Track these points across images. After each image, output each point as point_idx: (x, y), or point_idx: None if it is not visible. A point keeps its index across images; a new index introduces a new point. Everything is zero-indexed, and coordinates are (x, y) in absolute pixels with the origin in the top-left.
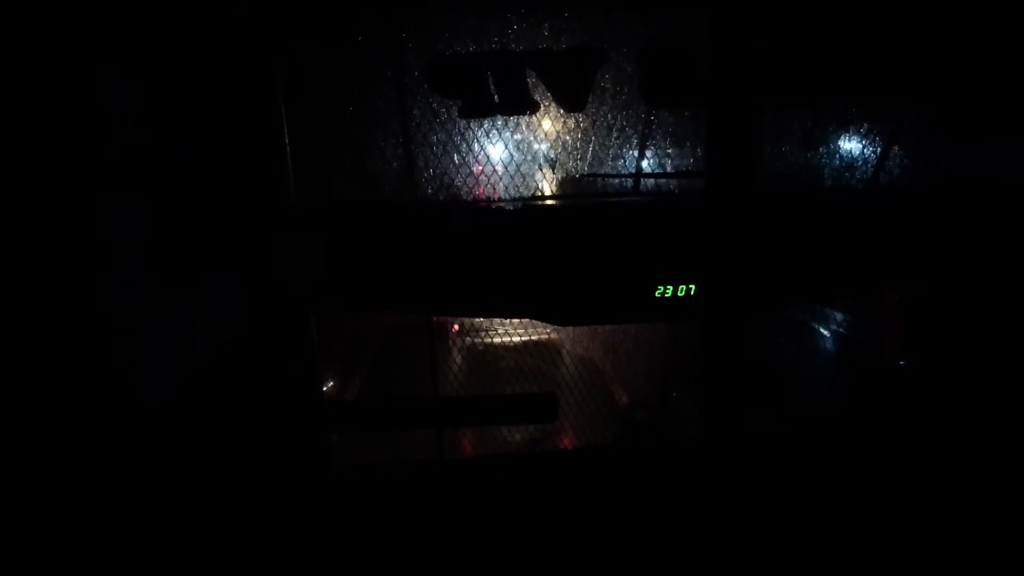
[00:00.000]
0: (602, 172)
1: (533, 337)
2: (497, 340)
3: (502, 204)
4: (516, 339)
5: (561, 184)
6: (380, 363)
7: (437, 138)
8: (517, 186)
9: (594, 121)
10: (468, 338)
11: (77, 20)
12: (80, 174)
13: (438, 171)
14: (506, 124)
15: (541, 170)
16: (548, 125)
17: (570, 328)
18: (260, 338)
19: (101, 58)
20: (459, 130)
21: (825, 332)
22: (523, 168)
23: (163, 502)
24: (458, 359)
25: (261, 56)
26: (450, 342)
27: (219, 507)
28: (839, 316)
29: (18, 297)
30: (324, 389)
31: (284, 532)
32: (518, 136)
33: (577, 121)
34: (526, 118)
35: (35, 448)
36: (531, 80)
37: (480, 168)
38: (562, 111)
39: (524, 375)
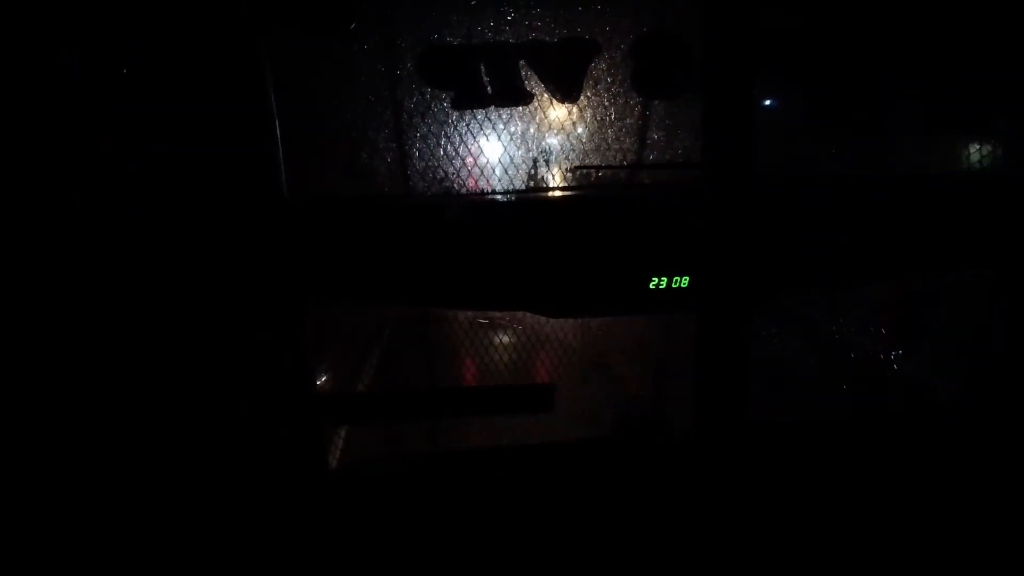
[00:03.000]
0: (596, 163)
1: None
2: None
3: (495, 196)
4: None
5: (554, 176)
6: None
7: (430, 130)
8: (510, 178)
9: (588, 112)
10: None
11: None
12: (71, 165)
13: (431, 163)
14: (499, 116)
15: (534, 162)
16: (541, 117)
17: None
18: (253, 333)
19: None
20: (452, 122)
21: (819, 323)
22: (516, 160)
23: (156, 498)
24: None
25: (250, 49)
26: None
27: (212, 502)
28: (833, 307)
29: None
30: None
31: (278, 527)
32: (511, 128)
33: (570, 112)
34: (519, 110)
35: (33, 443)
36: (524, 71)
37: (473, 160)
38: (556, 102)
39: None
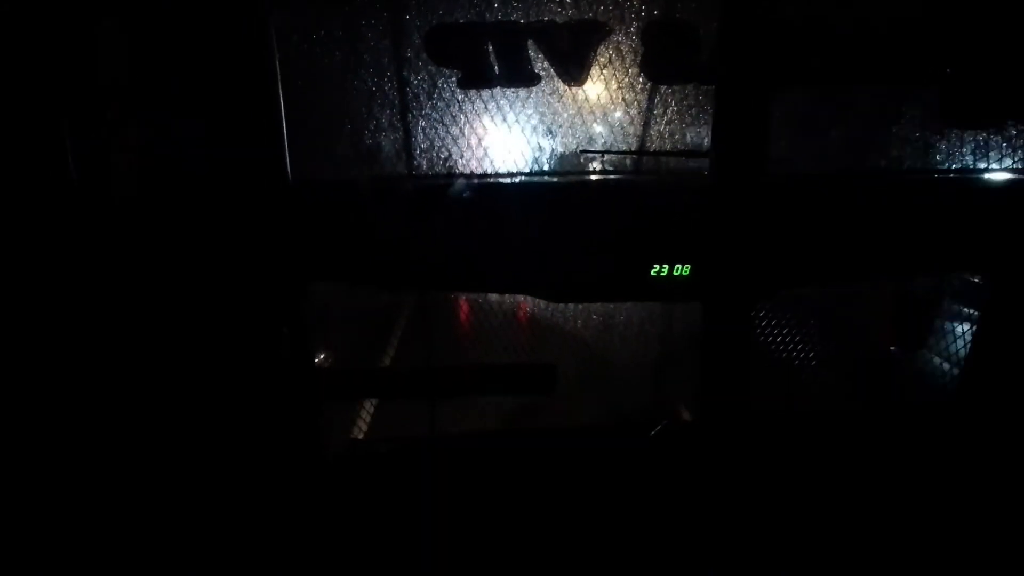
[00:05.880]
0: (602, 149)
1: None
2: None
3: (499, 179)
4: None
5: (560, 160)
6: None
7: (435, 110)
8: (515, 161)
9: (596, 96)
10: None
11: None
12: (75, 145)
13: (435, 144)
14: (505, 97)
15: (540, 145)
16: (548, 99)
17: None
18: (255, 313)
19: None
20: (458, 102)
21: (820, 317)
22: (521, 143)
23: (158, 481)
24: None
25: (256, 26)
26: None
27: (212, 484)
28: (832, 302)
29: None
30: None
31: (276, 508)
32: (517, 110)
33: (577, 96)
34: (526, 91)
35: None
36: (532, 52)
37: (478, 141)
38: (563, 85)
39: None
